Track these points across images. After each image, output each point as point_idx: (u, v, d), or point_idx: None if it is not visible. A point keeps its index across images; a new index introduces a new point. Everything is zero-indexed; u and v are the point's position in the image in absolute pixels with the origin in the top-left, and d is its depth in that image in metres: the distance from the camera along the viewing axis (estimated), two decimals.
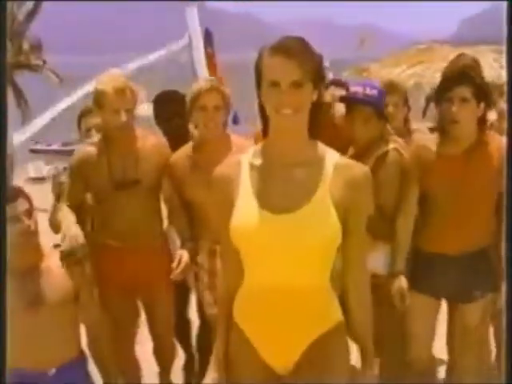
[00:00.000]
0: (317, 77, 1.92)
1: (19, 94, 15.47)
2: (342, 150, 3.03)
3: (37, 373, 2.86)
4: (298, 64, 1.85)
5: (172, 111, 3.72)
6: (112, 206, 3.23)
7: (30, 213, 2.81)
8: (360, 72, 11.16)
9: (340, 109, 3.60)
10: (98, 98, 3.13)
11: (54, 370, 2.90)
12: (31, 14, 15.80)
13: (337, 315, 2.11)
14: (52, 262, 2.92)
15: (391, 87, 3.70)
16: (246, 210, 1.98)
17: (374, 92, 3.23)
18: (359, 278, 2.13)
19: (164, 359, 3.69)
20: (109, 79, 3.18)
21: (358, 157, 3.19)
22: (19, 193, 2.85)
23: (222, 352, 2.21)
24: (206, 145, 3.20)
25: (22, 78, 16.09)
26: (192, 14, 5.25)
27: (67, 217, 3.16)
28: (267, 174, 2.01)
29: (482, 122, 3.04)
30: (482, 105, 2.99)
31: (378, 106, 3.24)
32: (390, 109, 3.64)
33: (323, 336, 2.07)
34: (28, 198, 2.84)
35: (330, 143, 2.98)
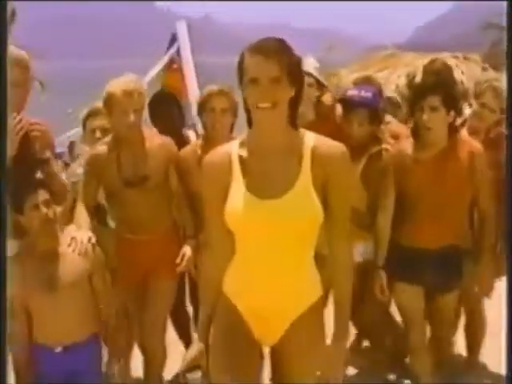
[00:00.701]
0: (294, 75, 2.00)
1: None
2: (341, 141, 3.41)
3: (44, 348, 3.05)
4: (276, 62, 1.94)
5: (166, 112, 3.90)
6: (123, 201, 3.33)
7: (48, 203, 2.96)
8: (329, 76, 11.57)
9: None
10: (108, 99, 3.22)
11: (60, 348, 3.05)
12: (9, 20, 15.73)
13: (319, 291, 2.23)
14: (67, 249, 3.05)
15: (368, 81, 3.91)
16: (238, 197, 2.06)
17: (369, 95, 3.39)
18: (343, 256, 2.21)
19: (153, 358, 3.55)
20: (118, 82, 3.25)
21: (355, 154, 3.37)
22: (40, 184, 3.01)
23: (207, 325, 2.28)
24: (212, 144, 3.17)
25: None
26: (182, 27, 5.61)
27: (79, 218, 3.27)
28: (253, 164, 2.09)
29: (452, 127, 3.17)
30: (452, 112, 3.12)
31: (373, 108, 3.38)
32: None
33: (308, 310, 2.17)
34: (49, 190, 2.99)
35: (335, 132, 3.29)
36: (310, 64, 3.56)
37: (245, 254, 2.16)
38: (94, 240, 3.07)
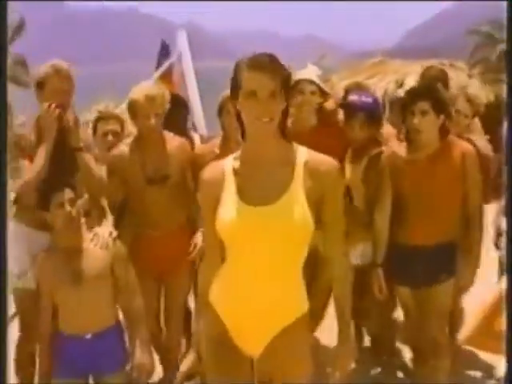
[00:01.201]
0: (286, 88, 2.05)
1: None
2: (344, 150, 3.55)
3: (75, 337, 3.15)
4: (273, 77, 1.98)
5: (176, 113, 3.92)
6: (144, 198, 3.45)
7: (73, 201, 3.07)
8: (323, 82, 11.79)
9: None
10: (132, 105, 3.40)
11: (89, 335, 3.15)
12: (16, 31, 15.82)
13: (305, 305, 2.20)
14: (90, 245, 3.16)
15: (358, 87, 4.02)
16: (229, 206, 2.08)
17: (369, 100, 3.49)
18: (340, 262, 2.22)
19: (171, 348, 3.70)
20: (141, 89, 3.44)
21: (356, 156, 3.54)
22: (66, 183, 3.12)
23: (199, 334, 2.30)
24: (229, 143, 3.46)
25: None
26: (182, 36, 5.84)
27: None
28: (247, 175, 2.11)
29: (443, 130, 3.23)
30: (442, 116, 3.19)
31: (373, 113, 3.47)
32: None
33: (292, 324, 2.15)
34: (74, 189, 3.11)
35: (335, 143, 3.42)
36: (312, 71, 3.63)
37: (232, 264, 2.16)
38: (114, 234, 3.21)
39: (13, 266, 3.09)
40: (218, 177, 2.14)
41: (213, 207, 2.13)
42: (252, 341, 2.17)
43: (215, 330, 2.20)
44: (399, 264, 3.32)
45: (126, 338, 3.32)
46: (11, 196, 3.20)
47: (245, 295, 2.13)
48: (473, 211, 3.30)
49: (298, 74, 3.55)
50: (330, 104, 3.72)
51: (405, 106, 3.25)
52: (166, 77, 5.82)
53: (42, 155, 3.14)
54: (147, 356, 3.19)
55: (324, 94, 3.60)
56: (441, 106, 3.19)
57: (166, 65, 5.96)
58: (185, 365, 2.32)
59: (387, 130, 3.88)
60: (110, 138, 3.84)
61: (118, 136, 3.82)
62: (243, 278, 2.12)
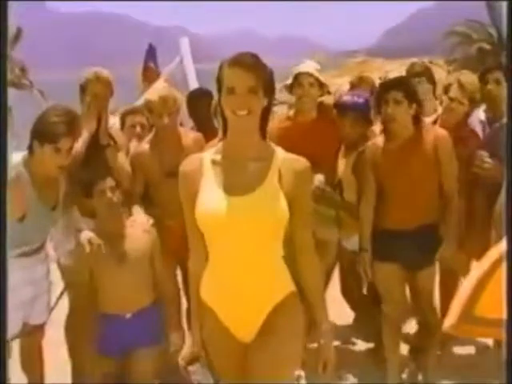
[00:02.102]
0: (267, 86, 2.08)
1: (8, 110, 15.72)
2: (339, 144, 3.61)
3: (117, 316, 3.22)
4: (252, 73, 2.03)
5: (202, 106, 3.97)
6: (163, 190, 3.51)
7: (114, 189, 3.16)
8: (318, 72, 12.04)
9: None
10: (147, 105, 3.53)
11: (130, 315, 3.23)
12: (14, 39, 15.93)
13: (289, 286, 2.21)
14: (133, 230, 3.27)
15: (361, 80, 4.12)
16: (208, 196, 2.11)
17: (361, 100, 3.55)
18: (307, 249, 2.24)
19: None
20: (155, 90, 3.63)
21: (347, 152, 3.62)
22: (109, 172, 3.24)
23: (198, 326, 2.30)
24: None
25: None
26: (184, 42, 6.18)
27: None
28: (226, 167, 2.14)
29: (416, 119, 3.27)
30: (414, 105, 3.23)
31: (364, 112, 3.54)
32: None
33: (279, 305, 2.17)
34: (116, 178, 3.21)
35: (332, 137, 3.53)
36: (310, 65, 3.70)
37: (215, 254, 2.18)
38: (151, 222, 3.35)
39: (62, 246, 3.34)
40: (196, 168, 2.17)
41: (192, 199, 2.15)
42: (244, 327, 2.20)
43: (209, 322, 2.24)
44: (382, 248, 3.37)
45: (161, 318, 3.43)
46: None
47: (230, 282, 2.15)
48: (448, 194, 3.33)
49: (297, 69, 3.64)
50: (329, 99, 3.80)
51: (379, 96, 3.32)
52: (151, 77, 5.87)
53: (79, 144, 3.34)
54: (178, 335, 3.30)
55: (323, 87, 3.66)
56: (413, 96, 3.26)
57: (169, 68, 6.24)
58: (187, 350, 2.46)
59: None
60: (137, 129, 4.02)
61: (145, 128, 3.98)
62: (226, 266, 2.15)
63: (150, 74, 5.99)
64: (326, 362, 2.22)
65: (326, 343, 2.23)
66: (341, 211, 3.53)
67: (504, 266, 2.56)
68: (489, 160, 3.31)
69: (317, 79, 3.59)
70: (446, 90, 3.60)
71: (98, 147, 3.46)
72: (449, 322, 2.45)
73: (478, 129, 3.64)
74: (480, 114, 3.61)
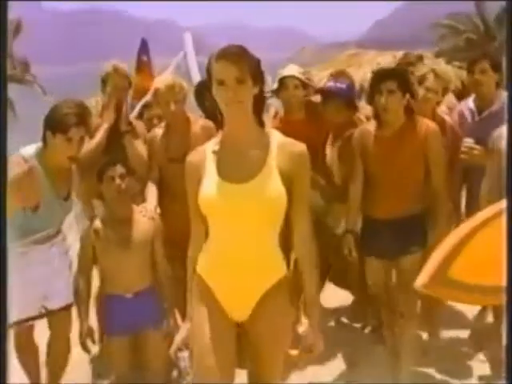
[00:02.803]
0: (255, 75, 2.13)
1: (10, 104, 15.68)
2: (327, 138, 3.72)
3: (119, 296, 3.34)
4: (238, 64, 2.08)
5: (210, 96, 4.37)
6: (167, 175, 3.60)
7: (124, 176, 3.25)
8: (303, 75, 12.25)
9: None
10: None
11: (130, 295, 3.34)
12: (15, 32, 15.92)
13: (283, 270, 2.26)
14: (140, 216, 3.38)
15: (342, 74, 3.99)
16: (210, 184, 2.18)
17: (344, 86, 3.61)
18: (305, 243, 2.26)
19: None
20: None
21: (334, 138, 3.70)
22: (119, 160, 3.31)
23: (191, 314, 2.34)
24: None
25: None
26: (188, 38, 6.41)
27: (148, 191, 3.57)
28: (226, 156, 2.21)
29: (407, 109, 3.29)
30: (407, 95, 3.25)
31: (348, 97, 3.60)
32: None
33: (273, 287, 2.23)
34: (126, 166, 3.30)
35: (321, 135, 3.61)
36: (294, 69, 3.80)
37: (215, 236, 2.25)
38: (158, 210, 3.43)
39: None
40: (200, 159, 2.25)
41: (195, 186, 2.22)
42: (238, 306, 2.26)
43: (204, 299, 2.28)
44: (369, 236, 3.41)
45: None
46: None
47: (228, 263, 2.21)
48: (437, 184, 3.36)
49: (281, 73, 3.74)
50: (316, 98, 3.85)
51: (373, 85, 3.33)
52: (144, 70, 5.93)
53: (100, 133, 3.55)
54: (172, 319, 3.38)
55: (307, 87, 3.74)
56: (406, 86, 3.29)
57: (173, 63, 6.43)
58: (179, 336, 2.39)
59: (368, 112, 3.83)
60: (155, 121, 4.11)
61: (162, 120, 3.97)
62: (225, 248, 2.21)
63: (143, 67, 6.02)
64: (311, 347, 2.25)
65: (312, 327, 2.25)
66: (328, 198, 3.65)
67: (482, 235, 2.65)
68: (477, 147, 3.32)
69: (301, 81, 3.69)
70: (421, 80, 3.61)
71: (117, 135, 3.60)
72: (421, 280, 2.54)
73: (468, 117, 3.66)
74: (469, 102, 3.64)
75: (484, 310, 3.89)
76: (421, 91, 3.58)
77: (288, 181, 2.16)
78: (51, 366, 3.34)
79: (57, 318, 3.23)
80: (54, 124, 2.97)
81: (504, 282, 2.56)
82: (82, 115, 3.01)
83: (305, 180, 2.23)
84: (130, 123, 3.77)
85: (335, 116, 3.61)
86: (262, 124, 2.24)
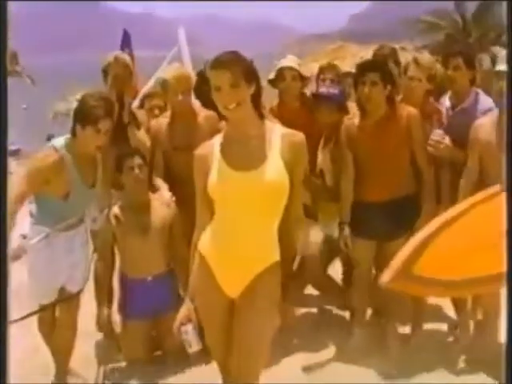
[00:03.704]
0: (249, 76, 2.26)
1: None
2: (320, 134, 3.74)
3: (139, 279, 3.56)
4: (230, 70, 2.21)
5: (207, 88, 4.46)
6: (171, 163, 3.67)
7: (141, 166, 3.46)
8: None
9: None
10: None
11: (150, 278, 3.56)
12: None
13: (277, 255, 2.41)
14: (157, 203, 3.54)
15: (329, 66, 4.19)
16: (219, 172, 2.33)
17: (336, 91, 3.74)
18: (298, 220, 2.45)
19: None
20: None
21: (326, 141, 3.77)
22: (137, 151, 3.53)
23: (192, 292, 2.50)
24: None
25: None
26: (181, 33, 6.48)
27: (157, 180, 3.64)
28: (232, 147, 2.34)
29: (389, 99, 3.41)
30: (389, 86, 3.37)
31: (339, 102, 3.72)
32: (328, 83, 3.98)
33: (266, 269, 2.38)
34: (144, 158, 3.49)
35: (313, 127, 3.59)
36: (291, 60, 3.85)
37: (221, 218, 2.38)
38: (173, 197, 3.51)
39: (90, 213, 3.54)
40: (208, 151, 2.40)
41: (204, 176, 2.36)
42: (233, 283, 2.40)
43: (203, 274, 2.43)
44: (358, 219, 3.49)
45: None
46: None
47: (228, 244, 2.36)
48: (421, 167, 3.44)
49: (279, 63, 3.83)
50: (308, 90, 3.97)
51: (357, 77, 3.42)
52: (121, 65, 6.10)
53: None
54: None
55: (304, 79, 3.83)
56: (388, 78, 3.38)
57: (169, 56, 6.48)
58: (181, 312, 2.52)
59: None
60: (156, 111, 4.22)
61: (163, 110, 4.14)
62: (228, 230, 2.35)
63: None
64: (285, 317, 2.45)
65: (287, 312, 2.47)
66: (321, 198, 3.72)
67: (450, 231, 2.83)
68: (445, 141, 3.38)
69: (299, 73, 3.78)
70: (405, 70, 3.69)
71: (121, 125, 3.66)
72: (386, 276, 2.65)
73: (444, 113, 3.66)
74: (446, 99, 3.67)
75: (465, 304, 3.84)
76: (405, 81, 3.68)
77: (289, 169, 2.30)
78: (58, 352, 3.44)
79: (68, 303, 3.34)
80: (84, 117, 3.11)
81: (468, 276, 2.77)
82: (108, 107, 3.15)
83: (303, 166, 2.40)
84: (132, 113, 3.83)
85: (327, 120, 3.70)
86: (262, 116, 2.38)
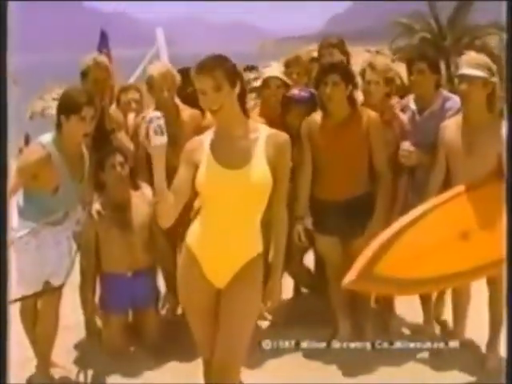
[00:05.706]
0: (231, 78, 2.34)
1: None
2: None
3: (119, 274, 3.61)
4: (212, 75, 2.30)
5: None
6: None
7: (123, 164, 3.49)
8: (263, 69, 12.37)
9: None
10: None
11: (130, 273, 3.61)
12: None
13: (260, 247, 2.54)
14: (139, 201, 3.61)
15: (296, 59, 4.17)
16: (208, 168, 2.41)
17: (307, 94, 3.75)
18: (282, 216, 2.55)
19: None
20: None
21: (293, 141, 4.07)
22: (118, 149, 3.56)
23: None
24: None
25: None
26: (160, 34, 6.52)
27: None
28: (220, 145, 2.43)
29: (351, 99, 3.48)
30: (350, 86, 3.43)
31: (309, 105, 3.71)
32: (294, 76, 4.02)
33: (251, 261, 2.50)
34: (125, 155, 3.51)
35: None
36: (276, 69, 3.93)
37: (208, 212, 2.48)
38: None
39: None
40: (197, 147, 2.47)
41: (191, 168, 2.42)
42: (220, 273, 2.50)
43: (190, 265, 2.52)
44: (319, 217, 3.57)
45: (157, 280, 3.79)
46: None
47: (215, 237, 2.45)
48: (378, 168, 3.50)
49: (265, 73, 3.89)
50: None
51: (319, 77, 3.49)
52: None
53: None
54: (172, 294, 3.58)
55: (287, 87, 3.87)
56: (349, 78, 3.45)
57: (147, 58, 6.50)
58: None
59: None
60: (133, 105, 4.22)
61: (139, 103, 4.20)
62: (214, 224, 2.45)
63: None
64: (272, 300, 2.58)
65: (274, 284, 2.59)
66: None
67: (412, 232, 2.94)
68: (413, 150, 3.46)
69: (282, 81, 3.83)
70: (362, 74, 3.72)
71: (103, 131, 3.66)
72: (349, 277, 2.78)
73: (408, 117, 3.68)
74: (410, 102, 3.69)
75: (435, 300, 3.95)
76: (363, 85, 3.73)
77: (273, 168, 2.40)
78: (40, 344, 3.46)
79: (50, 296, 3.36)
80: (67, 107, 3.14)
81: (431, 274, 2.92)
82: (90, 95, 3.17)
83: (287, 166, 2.49)
84: (111, 118, 3.83)
85: (296, 121, 3.70)
86: (247, 115, 2.48)
